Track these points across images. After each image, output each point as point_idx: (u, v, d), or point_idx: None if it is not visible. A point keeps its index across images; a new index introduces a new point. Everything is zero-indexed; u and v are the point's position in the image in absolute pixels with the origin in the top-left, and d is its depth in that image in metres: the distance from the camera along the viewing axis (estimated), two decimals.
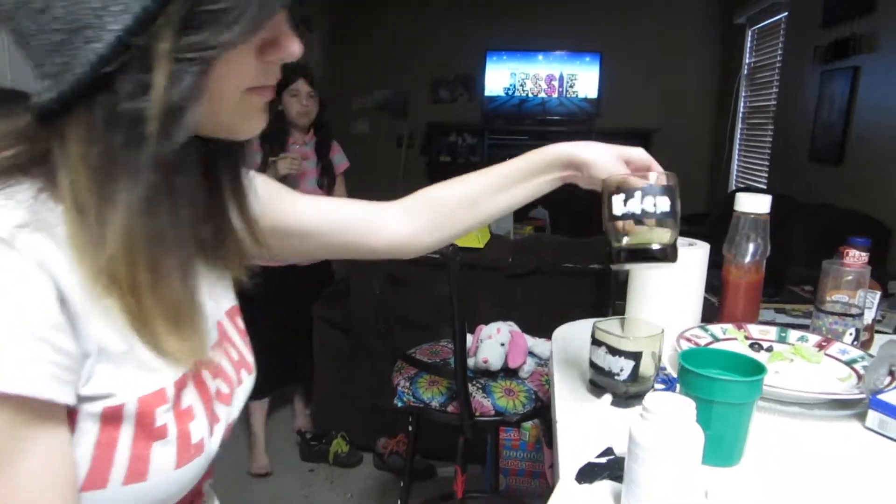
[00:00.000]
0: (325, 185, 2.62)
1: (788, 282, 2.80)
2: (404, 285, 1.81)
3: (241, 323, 0.68)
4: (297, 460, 2.58)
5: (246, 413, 2.48)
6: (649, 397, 0.65)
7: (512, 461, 2.27)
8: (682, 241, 1.23)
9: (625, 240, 0.75)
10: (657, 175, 0.75)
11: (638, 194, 0.73)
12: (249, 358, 0.67)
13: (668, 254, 0.75)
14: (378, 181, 6.09)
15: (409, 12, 5.91)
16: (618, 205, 0.74)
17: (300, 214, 0.78)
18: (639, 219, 0.74)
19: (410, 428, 1.77)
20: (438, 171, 5.85)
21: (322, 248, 0.82)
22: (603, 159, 0.77)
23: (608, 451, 0.78)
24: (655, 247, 0.75)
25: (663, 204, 0.73)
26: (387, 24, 5.93)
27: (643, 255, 0.75)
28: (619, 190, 0.74)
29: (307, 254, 0.82)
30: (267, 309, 2.16)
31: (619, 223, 0.75)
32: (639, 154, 0.79)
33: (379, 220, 0.83)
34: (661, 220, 0.74)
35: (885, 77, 3.24)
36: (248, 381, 0.65)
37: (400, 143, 6.18)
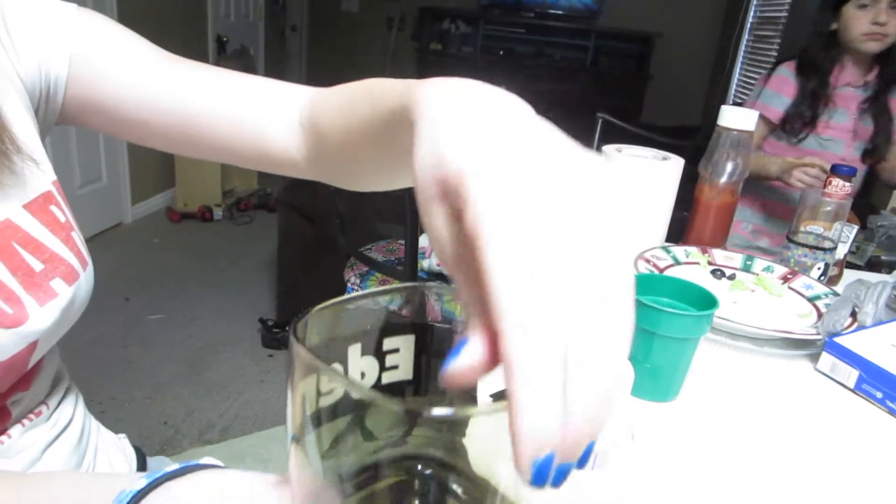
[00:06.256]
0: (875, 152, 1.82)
1: None
2: None
3: (56, 212, 0.53)
4: (257, 346, 2.55)
5: None
6: None
7: None
8: (655, 153, 1.13)
9: None
10: None
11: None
12: (67, 253, 0.52)
13: None
14: (365, 63, 5.83)
15: None
16: None
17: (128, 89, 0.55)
18: None
19: None
20: (428, 60, 5.59)
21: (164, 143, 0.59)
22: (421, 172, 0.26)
23: None
24: None
25: None
26: None
27: None
28: None
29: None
30: None
31: None
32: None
33: (265, 121, 0.58)
34: None
35: None
36: (64, 290, 0.51)
37: (390, 26, 5.85)
